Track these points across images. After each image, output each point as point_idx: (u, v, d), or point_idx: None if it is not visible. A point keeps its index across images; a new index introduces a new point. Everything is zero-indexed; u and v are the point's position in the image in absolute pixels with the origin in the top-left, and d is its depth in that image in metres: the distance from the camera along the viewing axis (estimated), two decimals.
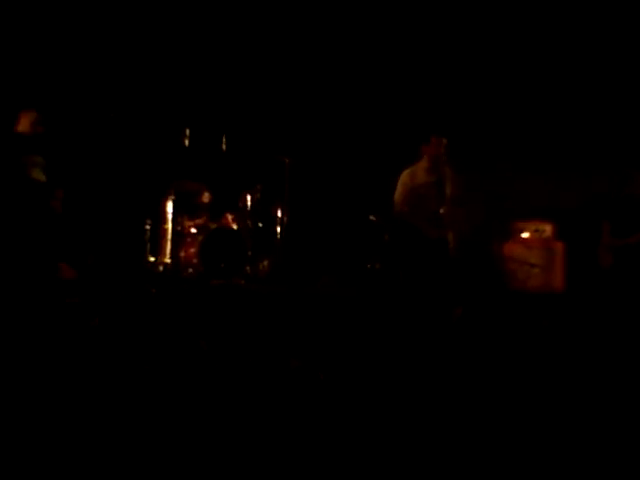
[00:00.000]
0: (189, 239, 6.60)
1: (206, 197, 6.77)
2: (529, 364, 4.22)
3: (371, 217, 7.08)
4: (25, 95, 6.15)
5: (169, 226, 6.65)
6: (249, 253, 6.77)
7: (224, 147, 6.98)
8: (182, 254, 6.59)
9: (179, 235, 6.61)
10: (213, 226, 6.64)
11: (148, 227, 6.68)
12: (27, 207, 5.03)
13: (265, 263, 7.06)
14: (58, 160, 5.44)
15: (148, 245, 6.68)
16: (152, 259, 6.67)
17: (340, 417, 3.02)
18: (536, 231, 6.97)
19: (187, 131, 6.83)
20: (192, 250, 6.53)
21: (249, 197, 6.92)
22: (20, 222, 5.01)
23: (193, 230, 6.63)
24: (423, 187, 5.68)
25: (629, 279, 5.92)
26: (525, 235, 6.99)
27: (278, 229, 7.15)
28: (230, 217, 6.87)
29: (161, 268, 6.60)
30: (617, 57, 7.23)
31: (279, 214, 7.13)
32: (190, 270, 6.51)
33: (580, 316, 5.78)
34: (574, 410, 3.18)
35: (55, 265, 5.26)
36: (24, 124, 5.25)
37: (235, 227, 6.82)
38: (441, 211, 5.62)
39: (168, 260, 6.62)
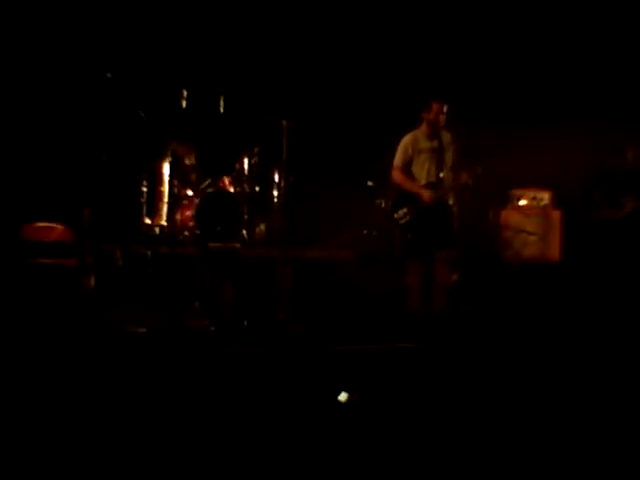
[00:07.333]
0: (185, 202, 6.55)
1: (189, 159, 6.66)
2: (523, 333, 4.23)
3: (369, 183, 7.05)
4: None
5: (165, 188, 6.59)
6: (246, 217, 6.73)
7: (221, 109, 6.90)
8: (178, 217, 6.54)
9: (175, 197, 6.55)
10: (209, 189, 6.58)
11: (144, 189, 6.62)
12: None
13: (262, 227, 7.03)
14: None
15: (144, 207, 6.62)
16: (148, 221, 6.62)
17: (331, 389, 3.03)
18: (534, 199, 6.93)
19: (184, 92, 6.73)
20: (188, 213, 6.48)
21: (246, 160, 6.86)
22: None
23: (189, 193, 6.58)
24: (423, 152, 5.69)
25: (624, 252, 5.92)
26: (522, 203, 6.96)
27: (275, 193, 7.10)
28: (227, 180, 6.81)
29: (157, 230, 6.56)
30: (618, 22, 7.16)
31: (276, 178, 7.07)
32: (186, 233, 6.47)
33: (575, 286, 5.79)
34: (564, 379, 3.20)
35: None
36: None
37: (232, 190, 6.76)
38: (441, 176, 5.62)
39: (164, 223, 6.58)
